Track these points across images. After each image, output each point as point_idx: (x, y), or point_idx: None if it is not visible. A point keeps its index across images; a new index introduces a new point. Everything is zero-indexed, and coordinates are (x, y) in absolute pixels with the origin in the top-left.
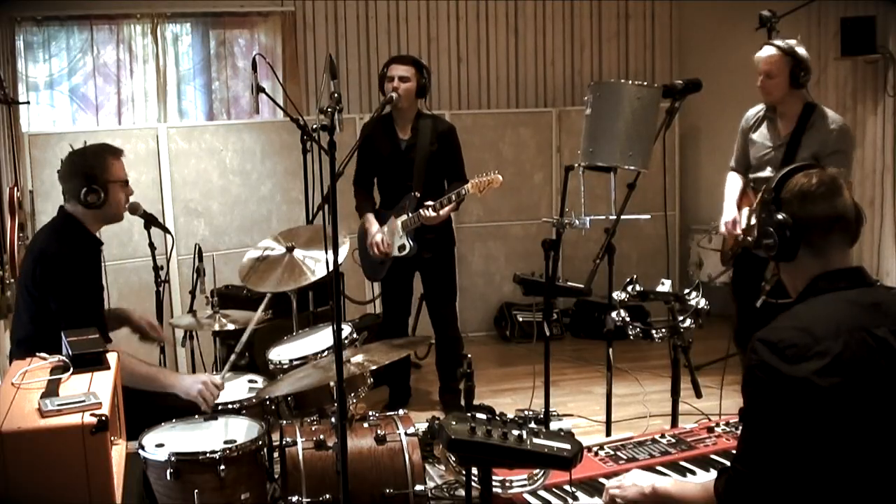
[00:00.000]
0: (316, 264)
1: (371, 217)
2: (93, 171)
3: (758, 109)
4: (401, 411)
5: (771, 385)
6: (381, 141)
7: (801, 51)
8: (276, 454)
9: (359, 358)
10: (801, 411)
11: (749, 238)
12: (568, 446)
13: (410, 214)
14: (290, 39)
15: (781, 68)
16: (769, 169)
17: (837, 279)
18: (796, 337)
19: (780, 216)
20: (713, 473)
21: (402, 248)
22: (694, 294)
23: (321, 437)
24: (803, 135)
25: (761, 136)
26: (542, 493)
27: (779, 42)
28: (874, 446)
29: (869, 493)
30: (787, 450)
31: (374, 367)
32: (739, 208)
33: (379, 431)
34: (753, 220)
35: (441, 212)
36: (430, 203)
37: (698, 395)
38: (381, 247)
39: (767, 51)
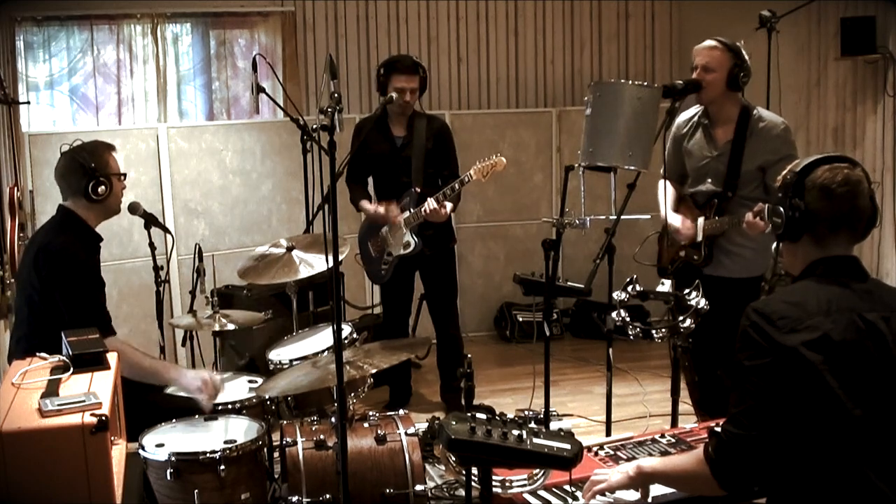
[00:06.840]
0: (315, 262)
1: (367, 202)
2: (95, 164)
3: (689, 116)
4: (401, 411)
5: (763, 346)
6: (377, 139)
7: (744, 52)
8: (276, 454)
9: (359, 362)
10: (788, 378)
11: (695, 257)
12: (568, 446)
13: (413, 210)
14: (290, 39)
15: (721, 63)
16: (709, 181)
17: (835, 265)
18: (789, 310)
19: (794, 200)
20: None
21: (406, 245)
22: (694, 294)
23: (321, 437)
24: (745, 143)
25: (697, 145)
26: (542, 493)
27: (722, 38)
28: (854, 423)
29: (850, 460)
30: (776, 411)
31: (373, 372)
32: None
33: (379, 431)
34: (700, 237)
35: (447, 204)
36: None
37: None
38: (393, 212)
39: (707, 43)
